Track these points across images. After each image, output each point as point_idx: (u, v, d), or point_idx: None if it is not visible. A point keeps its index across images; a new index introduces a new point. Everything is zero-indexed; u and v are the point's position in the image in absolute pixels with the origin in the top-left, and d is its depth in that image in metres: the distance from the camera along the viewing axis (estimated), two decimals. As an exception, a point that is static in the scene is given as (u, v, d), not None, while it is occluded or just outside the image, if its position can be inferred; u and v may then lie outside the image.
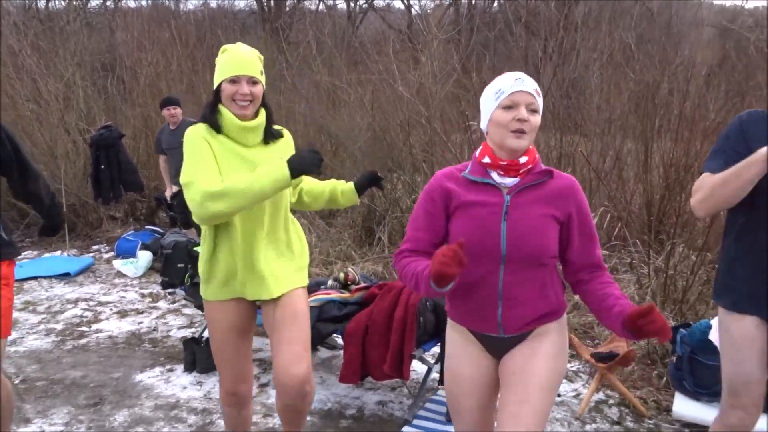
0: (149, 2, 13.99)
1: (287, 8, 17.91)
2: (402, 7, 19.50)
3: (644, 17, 7.78)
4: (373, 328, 2.97)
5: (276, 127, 2.17)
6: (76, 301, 4.79)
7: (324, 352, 3.75)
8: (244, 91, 1.98)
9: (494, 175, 1.67)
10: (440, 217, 1.71)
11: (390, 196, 5.87)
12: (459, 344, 1.79)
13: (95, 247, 6.47)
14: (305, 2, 18.75)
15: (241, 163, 2.01)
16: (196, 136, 2.01)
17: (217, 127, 2.02)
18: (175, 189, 5.46)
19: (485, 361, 1.76)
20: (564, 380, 3.38)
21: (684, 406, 2.93)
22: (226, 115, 2.02)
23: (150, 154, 7.51)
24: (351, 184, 2.45)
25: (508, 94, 1.61)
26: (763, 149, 1.71)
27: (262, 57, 2.10)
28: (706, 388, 2.94)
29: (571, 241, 1.69)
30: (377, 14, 19.53)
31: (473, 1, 18.80)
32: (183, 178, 1.94)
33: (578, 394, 3.22)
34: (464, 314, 1.74)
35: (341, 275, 3.47)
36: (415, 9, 18.59)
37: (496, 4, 18.31)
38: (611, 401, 3.13)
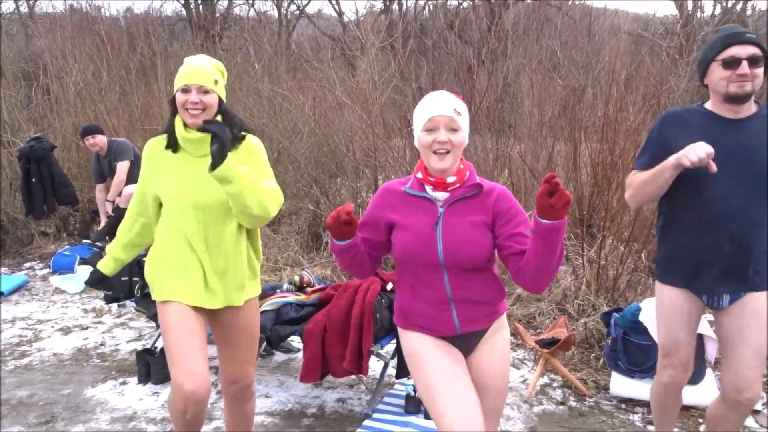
0: (66, 8, 13.41)
1: (218, 14, 17.61)
2: (333, 14, 19.62)
3: (568, 26, 8.27)
4: (331, 326, 3.06)
5: (248, 136, 2.17)
6: (12, 321, 4.57)
7: (281, 356, 3.79)
8: (193, 100, 2.02)
9: (428, 189, 1.83)
10: (381, 226, 1.85)
11: (335, 201, 5.96)
12: (420, 341, 1.85)
13: (27, 265, 6.16)
14: (235, 8, 18.53)
15: (189, 175, 2.06)
16: (145, 154, 2.16)
17: (173, 142, 2.10)
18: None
19: (453, 352, 1.85)
20: (512, 368, 3.59)
21: (620, 384, 3.20)
22: (177, 127, 2.08)
23: (81, 166, 7.24)
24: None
25: (427, 118, 1.75)
26: (672, 158, 1.94)
27: (223, 70, 2.14)
28: (639, 366, 3.22)
29: (505, 236, 1.76)
30: (309, 21, 19.54)
31: (404, 9, 19.21)
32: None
33: (525, 380, 3.43)
34: (420, 322, 1.84)
35: (296, 278, 3.54)
36: (347, 16, 18.78)
37: (426, 12, 18.79)
38: (555, 384, 3.36)
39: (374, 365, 3.38)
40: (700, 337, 3.03)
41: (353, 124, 5.91)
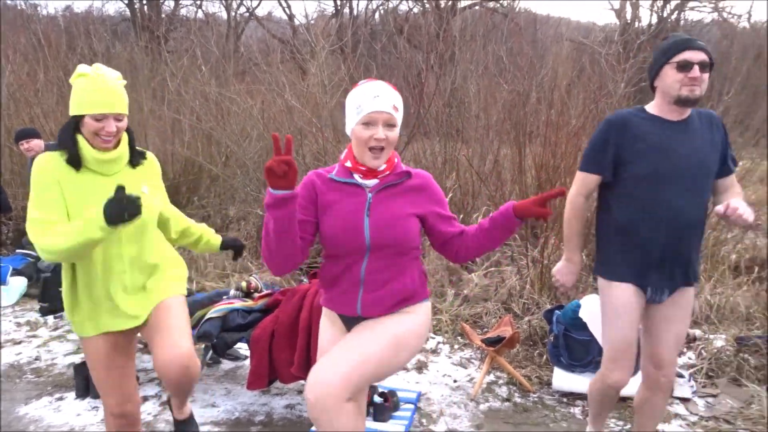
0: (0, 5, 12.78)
1: (164, 15, 17.18)
2: (284, 16, 19.47)
3: (513, 33, 8.49)
4: (279, 332, 3.04)
5: (144, 151, 2.14)
6: (-61, 335, 4.32)
7: (227, 364, 3.73)
8: (110, 130, 1.92)
9: (356, 177, 1.85)
10: (311, 208, 1.84)
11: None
12: (328, 327, 1.96)
13: (-44, 276, 5.83)
14: (182, 9, 18.12)
15: (100, 195, 1.88)
16: (44, 170, 1.91)
17: (76, 160, 1.94)
18: None
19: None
20: (459, 367, 3.66)
21: (562, 379, 3.30)
22: (84, 147, 1.94)
23: (15, 171, 6.91)
24: (219, 241, 2.56)
25: (366, 113, 1.75)
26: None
27: (124, 81, 2.01)
28: (579, 361, 3.34)
29: (437, 227, 1.89)
30: (259, 23, 19.32)
31: (355, 13, 19.27)
32: (28, 214, 1.87)
33: (472, 379, 3.50)
34: (332, 299, 1.91)
35: (243, 284, 3.49)
36: (297, 19, 18.67)
37: (377, 16, 18.91)
38: (501, 381, 3.44)
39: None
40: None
41: (303, 127, 5.88)
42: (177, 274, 2.22)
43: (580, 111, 5.30)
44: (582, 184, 2.28)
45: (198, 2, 17.97)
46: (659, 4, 15.79)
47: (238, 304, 3.32)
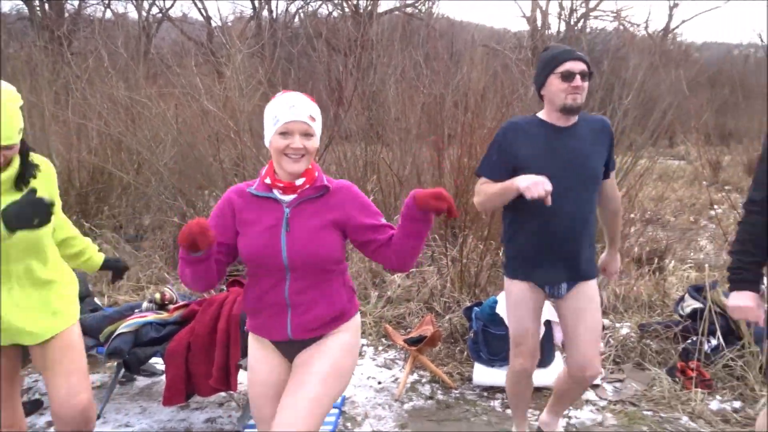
0: None
1: (67, 14, 16.19)
2: (200, 18, 18.89)
3: (430, 38, 8.68)
4: (195, 344, 2.93)
5: (37, 158, 1.97)
6: None
7: (142, 381, 3.55)
8: (5, 154, 1.78)
9: (276, 192, 1.81)
10: (229, 228, 1.82)
11: (203, 214, 5.73)
12: (257, 351, 1.90)
13: None
14: (89, 8, 17.16)
15: None
16: None
17: None
18: None
19: (282, 365, 1.88)
20: (383, 368, 3.68)
21: (481, 374, 3.40)
22: None
23: None
24: (101, 259, 2.42)
25: (282, 123, 1.73)
26: (519, 185, 2.10)
27: (19, 96, 1.83)
28: (498, 355, 3.45)
29: (364, 237, 1.82)
30: (173, 24, 18.64)
31: (275, 16, 19.01)
32: None
33: (396, 379, 3.53)
34: (260, 326, 1.86)
35: (157, 296, 3.34)
36: (215, 21, 18.17)
37: (297, 19, 18.76)
38: (424, 380, 3.50)
39: (245, 378, 3.29)
40: (549, 324, 3.32)
41: (220, 132, 5.72)
42: (73, 294, 2.10)
43: (494, 114, 5.50)
44: (478, 188, 2.38)
45: (106, 1, 17.06)
46: (566, 12, 16.71)
47: (152, 317, 3.17)
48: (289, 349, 1.86)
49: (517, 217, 2.34)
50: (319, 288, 1.79)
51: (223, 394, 3.23)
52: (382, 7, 17.41)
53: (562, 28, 16.72)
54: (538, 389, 3.14)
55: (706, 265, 4.19)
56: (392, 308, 4.32)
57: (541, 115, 2.33)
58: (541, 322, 2.65)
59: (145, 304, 3.33)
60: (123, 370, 3.49)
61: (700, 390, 3.16)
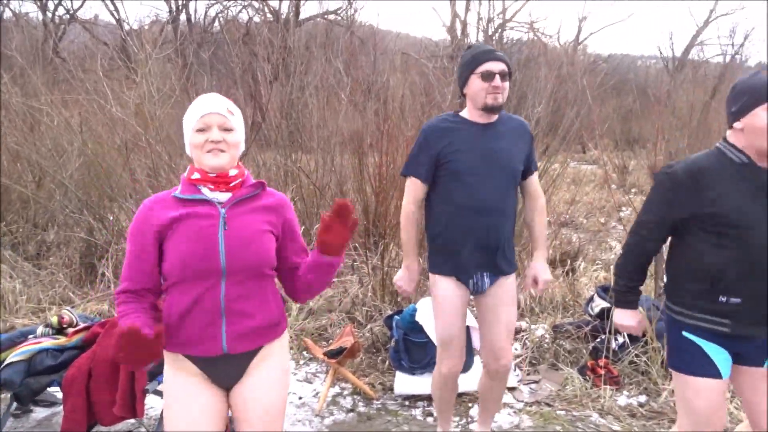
0: None
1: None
2: (113, 20, 17.96)
3: (348, 45, 8.68)
4: (97, 370, 2.72)
5: None
6: None
7: (41, 412, 3.28)
8: None
9: (205, 191, 1.70)
10: (150, 248, 1.67)
11: (113, 227, 5.41)
12: (180, 383, 1.71)
13: None
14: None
15: None
16: None
17: None
18: None
19: (212, 395, 1.73)
20: (304, 383, 3.59)
21: (403, 383, 3.39)
22: None
23: None
24: None
25: (199, 117, 1.67)
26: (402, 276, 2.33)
27: None
28: (419, 363, 3.45)
29: (288, 248, 1.79)
30: (83, 27, 17.62)
31: (193, 20, 18.42)
32: None
33: (317, 393, 3.45)
34: (185, 339, 1.67)
35: (54, 319, 3.09)
36: (129, 24, 17.35)
37: (216, 24, 18.26)
38: (345, 392, 3.44)
39: (153, 402, 3.11)
40: (467, 330, 3.36)
41: (129, 141, 5.42)
42: None
43: (413, 122, 5.56)
44: (408, 191, 2.40)
45: (5, 0, 15.86)
46: (484, 22, 17.26)
47: (48, 342, 2.93)
48: (221, 370, 1.72)
49: (440, 212, 2.36)
50: (254, 295, 1.70)
51: (132, 420, 3.03)
52: (304, 14, 17.28)
53: (481, 37, 17.23)
54: (458, 395, 3.17)
55: (611, 267, 4.40)
56: (314, 320, 4.24)
57: (464, 113, 2.37)
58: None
59: (40, 329, 3.06)
60: (15, 404, 3.22)
61: (608, 387, 3.30)
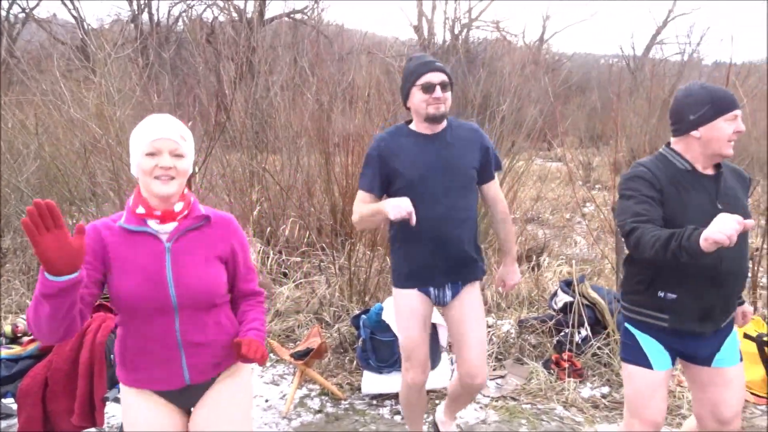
0: None
1: None
2: (71, 19, 17.47)
3: (314, 45, 8.63)
4: (54, 379, 2.65)
5: None
6: None
7: (-4, 423, 3.16)
8: None
9: (151, 224, 1.65)
10: (98, 259, 1.61)
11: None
12: (141, 409, 1.70)
13: None
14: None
15: None
16: None
17: None
18: None
19: (173, 416, 1.73)
20: (271, 385, 3.56)
21: (370, 382, 3.39)
22: None
23: None
24: None
25: (150, 141, 1.60)
26: (386, 209, 2.10)
27: None
28: (386, 362, 3.45)
29: (237, 275, 1.78)
30: (40, 26, 17.09)
31: (157, 19, 18.06)
32: None
33: (284, 395, 3.42)
34: (145, 376, 1.68)
35: (8, 328, 3.00)
36: (88, 23, 16.91)
37: (180, 23, 17.95)
38: (313, 393, 3.42)
39: (115, 410, 3.04)
40: (434, 327, 3.38)
41: (89, 143, 5.27)
42: None
43: (380, 120, 5.56)
44: (358, 200, 2.38)
45: (-44, -1, 15.26)
46: (450, 22, 17.39)
47: (2, 352, 2.84)
48: (184, 396, 1.72)
49: (396, 226, 2.34)
50: (210, 323, 1.69)
51: (92, 430, 2.95)
52: (270, 13, 17.12)
53: (447, 37, 17.38)
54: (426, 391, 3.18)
55: (573, 261, 4.48)
56: (281, 322, 4.20)
57: (412, 125, 2.37)
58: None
59: (-8, 339, 2.97)
60: (-32, 416, 3.11)
61: (572, 379, 3.36)
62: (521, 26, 36.86)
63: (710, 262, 1.86)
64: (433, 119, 2.27)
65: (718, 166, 2.00)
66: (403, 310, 2.38)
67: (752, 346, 3.31)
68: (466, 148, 2.36)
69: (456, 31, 18.32)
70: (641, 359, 2.02)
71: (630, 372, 2.05)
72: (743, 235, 1.92)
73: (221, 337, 1.72)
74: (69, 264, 1.34)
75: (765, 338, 3.32)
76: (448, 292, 2.38)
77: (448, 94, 2.28)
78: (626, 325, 2.08)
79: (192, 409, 1.78)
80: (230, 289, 1.80)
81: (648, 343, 2.01)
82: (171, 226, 1.66)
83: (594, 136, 13.16)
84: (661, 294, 1.95)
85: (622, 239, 2.16)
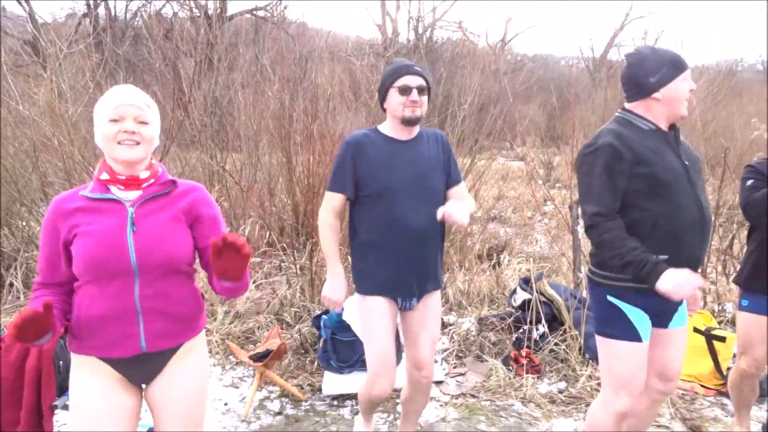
0: None
1: None
2: (23, 13, 16.82)
3: (275, 43, 8.54)
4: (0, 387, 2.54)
5: None
6: None
7: (-63, 435, 3.02)
8: None
9: (115, 190, 1.66)
10: (60, 245, 1.65)
11: (22, 234, 5.07)
12: (89, 383, 1.66)
13: None
14: None
15: None
16: None
17: None
18: None
19: (125, 394, 1.70)
20: (231, 388, 3.50)
21: (331, 383, 3.37)
22: None
23: None
24: None
25: (113, 107, 1.61)
26: (328, 285, 2.32)
27: None
28: (347, 362, 3.45)
29: (205, 243, 1.73)
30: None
31: (114, 14, 17.57)
32: None
33: (244, 398, 3.37)
34: (100, 342, 1.64)
35: (-52, 336, 2.85)
36: (41, 16, 16.33)
37: (138, 18, 17.49)
38: (273, 395, 3.38)
39: (66, 418, 2.94)
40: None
41: (39, 141, 5.08)
42: None
43: (341, 119, 5.54)
44: (328, 202, 2.35)
45: None
46: (414, 21, 17.46)
47: (-59, 361, 2.70)
48: (138, 367, 1.69)
49: (365, 231, 2.31)
50: (171, 292, 1.67)
51: (40, 439, 2.85)
52: (233, 9, 16.87)
53: (412, 36, 17.44)
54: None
55: (531, 260, 4.56)
56: (241, 323, 4.13)
57: (383, 128, 2.35)
58: None
59: (-68, 347, 2.82)
60: None
61: (530, 375, 3.41)
62: (484, 27, 37.26)
63: (694, 217, 1.93)
64: (408, 122, 2.27)
65: (672, 126, 2.07)
66: (372, 318, 2.33)
67: (701, 340, 3.43)
68: (436, 155, 2.36)
69: (420, 31, 18.40)
70: (631, 334, 1.98)
71: (618, 348, 1.99)
72: (701, 185, 2.03)
73: (182, 309, 1.70)
74: (35, 338, 1.49)
75: (713, 332, 3.45)
76: (415, 300, 2.38)
77: (425, 99, 2.29)
78: (608, 298, 1.99)
79: (144, 386, 1.76)
80: (202, 257, 1.76)
81: (634, 314, 1.97)
82: (136, 194, 1.67)
83: (554, 136, 13.42)
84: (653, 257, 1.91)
85: (580, 231, 2.19)
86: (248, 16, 16.83)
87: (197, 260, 1.80)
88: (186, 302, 1.72)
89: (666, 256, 1.91)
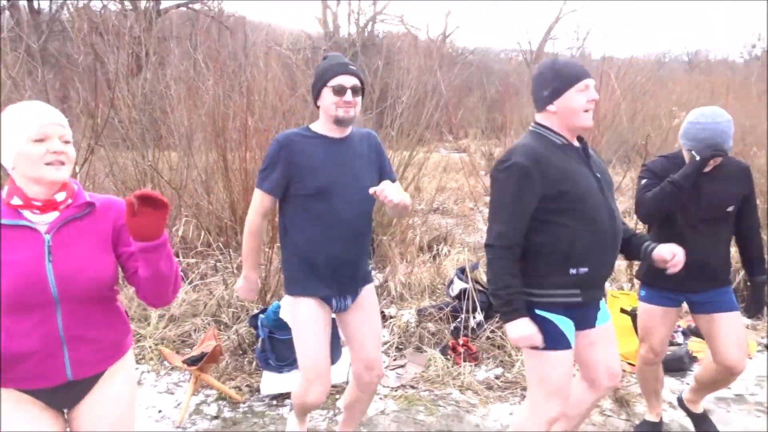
0: None
1: None
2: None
3: (210, 36, 8.31)
4: None
5: None
6: None
7: None
8: None
9: (28, 215, 1.55)
10: None
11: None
12: (8, 410, 1.57)
13: None
14: None
15: None
16: None
17: None
18: None
19: (54, 421, 1.63)
20: (165, 394, 3.40)
21: (270, 382, 3.32)
22: None
23: None
24: None
25: (38, 126, 1.51)
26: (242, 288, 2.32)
27: None
28: (286, 360, 3.40)
29: (128, 258, 1.66)
30: None
31: (37, 6, 16.66)
32: None
33: (179, 404, 3.28)
34: (23, 374, 1.55)
35: None
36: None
37: (66, 11, 16.66)
38: (210, 399, 3.30)
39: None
40: (334, 320, 3.36)
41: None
42: None
43: (280, 119, 5.44)
44: (257, 202, 2.30)
45: None
46: (355, 15, 17.40)
47: None
48: (63, 395, 1.61)
49: (297, 232, 2.27)
50: (95, 318, 1.60)
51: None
52: (168, 2, 16.29)
53: (353, 30, 17.38)
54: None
55: (465, 249, 4.64)
56: (176, 326, 4.01)
57: (315, 126, 2.30)
58: None
59: None
60: None
61: (468, 363, 3.47)
62: (425, 21, 37.60)
63: (608, 228, 1.99)
64: (341, 122, 2.23)
65: (580, 139, 2.12)
66: (303, 320, 2.29)
67: (627, 320, 3.58)
68: (367, 155, 2.35)
69: (361, 24, 18.36)
70: (562, 342, 2.00)
71: (551, 358, 2.00)
72: (612, 195, 2.08)
73: (109, 333, 1.65)
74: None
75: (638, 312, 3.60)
76: (349, 300, 2.36)
77: (359, 99, 2.26)
78: (537, 311, 2.00)
79: (66, 410, 1.68)
80: (127, 270, 1.67)
81: (563, 323, 2.01)
82: (52, 216, 1.56)
83: (494, 128, 13.70)
84: (573, 271, 1.97)
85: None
86: (183, 9, 16.32)
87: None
88: (112, 326, 1.66)
89: (586, 269, 1.98)
